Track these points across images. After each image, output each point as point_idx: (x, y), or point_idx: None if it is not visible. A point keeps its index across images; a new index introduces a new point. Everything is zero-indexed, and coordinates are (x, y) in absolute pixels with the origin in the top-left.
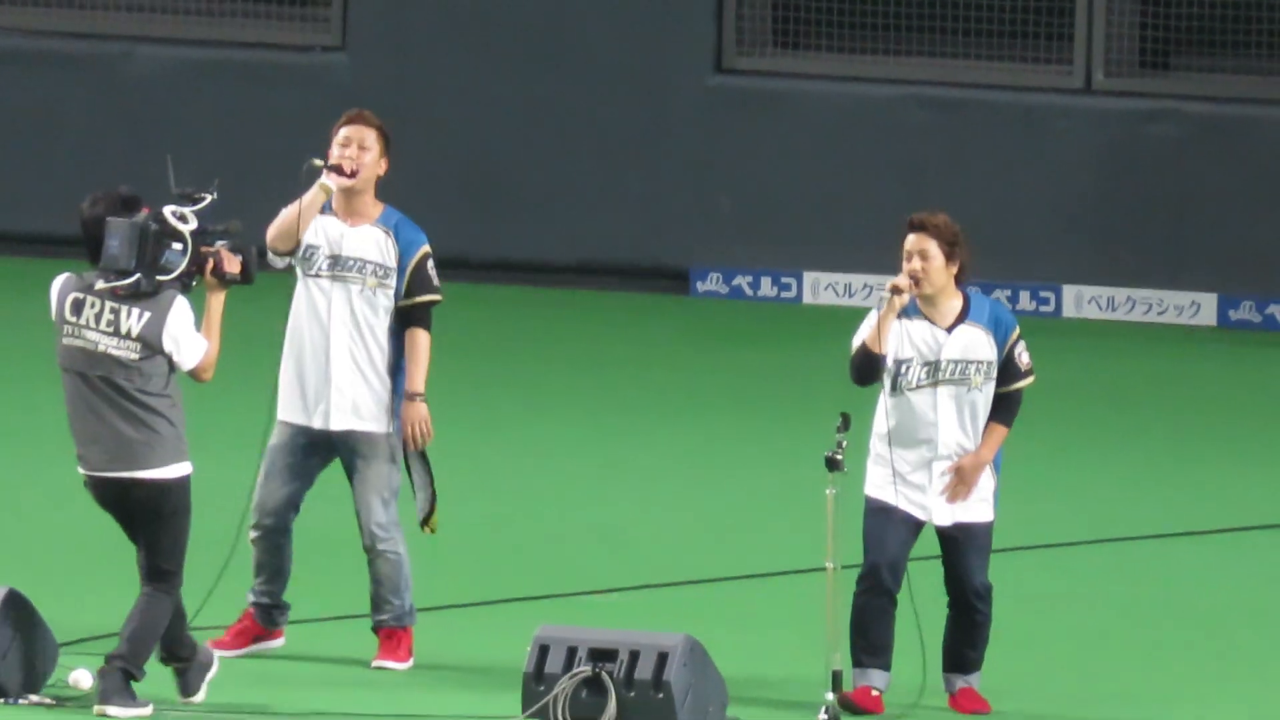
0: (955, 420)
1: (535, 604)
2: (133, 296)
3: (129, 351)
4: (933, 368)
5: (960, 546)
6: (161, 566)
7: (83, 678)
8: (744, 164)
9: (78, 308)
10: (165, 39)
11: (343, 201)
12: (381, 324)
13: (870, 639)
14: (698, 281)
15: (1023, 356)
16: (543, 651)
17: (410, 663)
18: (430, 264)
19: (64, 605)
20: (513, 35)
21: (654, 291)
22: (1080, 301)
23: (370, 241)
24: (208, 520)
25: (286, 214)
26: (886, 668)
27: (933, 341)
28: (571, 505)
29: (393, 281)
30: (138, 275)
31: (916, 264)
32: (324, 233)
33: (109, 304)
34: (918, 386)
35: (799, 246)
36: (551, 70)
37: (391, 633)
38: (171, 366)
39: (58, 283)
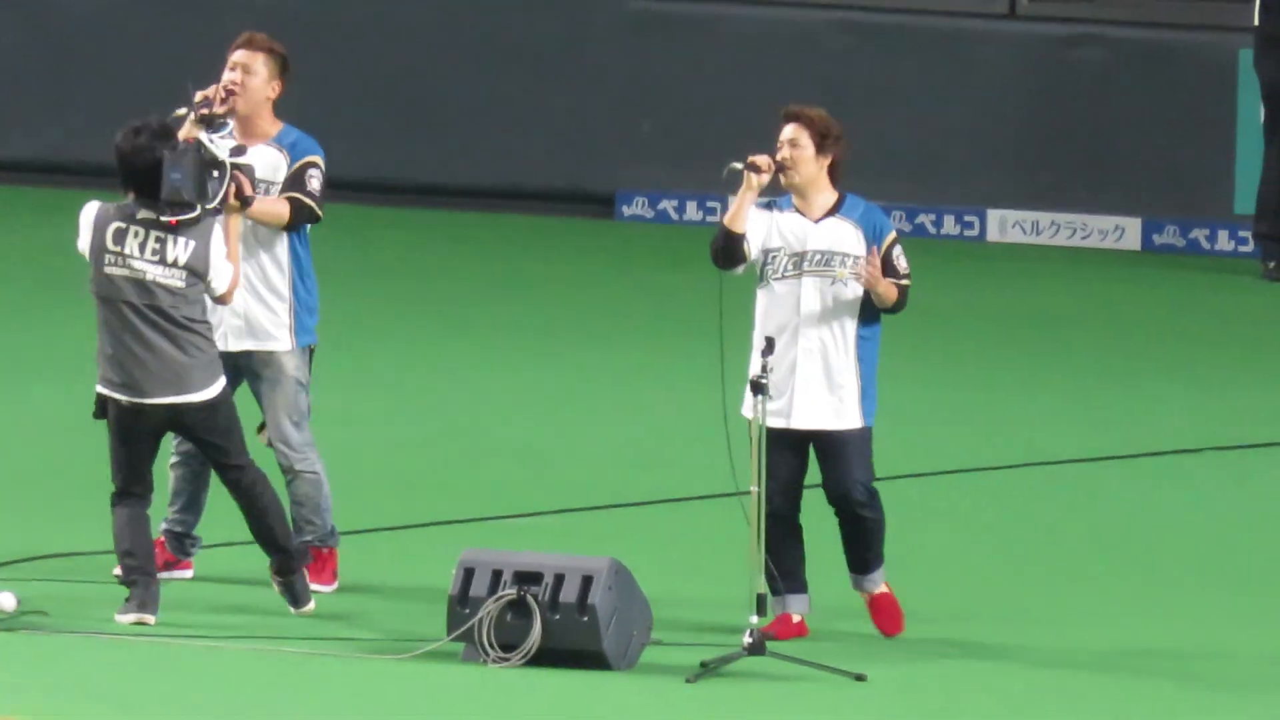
0: (818, 311)
1: (458, 527)
2: (179, 225)
3: (176, 280)
4: (799, 258)
5: (829, 454)
6: (237, 464)
7: (6, 600)
8: (668, 88)
9: (120, 237)
10: None
11: (238, 124)
12: (279, 241)
13: (779, 566)
14: (623, 205)
15: (900, 260)
16: (467, 575)
17: (335, 585)
18: (313, 172)
19: None
20: None
21: (579, 216)
22: (1004, 225)
23: (265, 160)
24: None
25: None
26: (801, 590)
27: (801, 232)
28: (493, 427)
29: None
30: (200, 207)
31: (786, 152)
32: (224, 153)
33: (154, 233)
34: (783, 276)
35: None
36: None
37: (316, 553)
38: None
39: (90, 213)
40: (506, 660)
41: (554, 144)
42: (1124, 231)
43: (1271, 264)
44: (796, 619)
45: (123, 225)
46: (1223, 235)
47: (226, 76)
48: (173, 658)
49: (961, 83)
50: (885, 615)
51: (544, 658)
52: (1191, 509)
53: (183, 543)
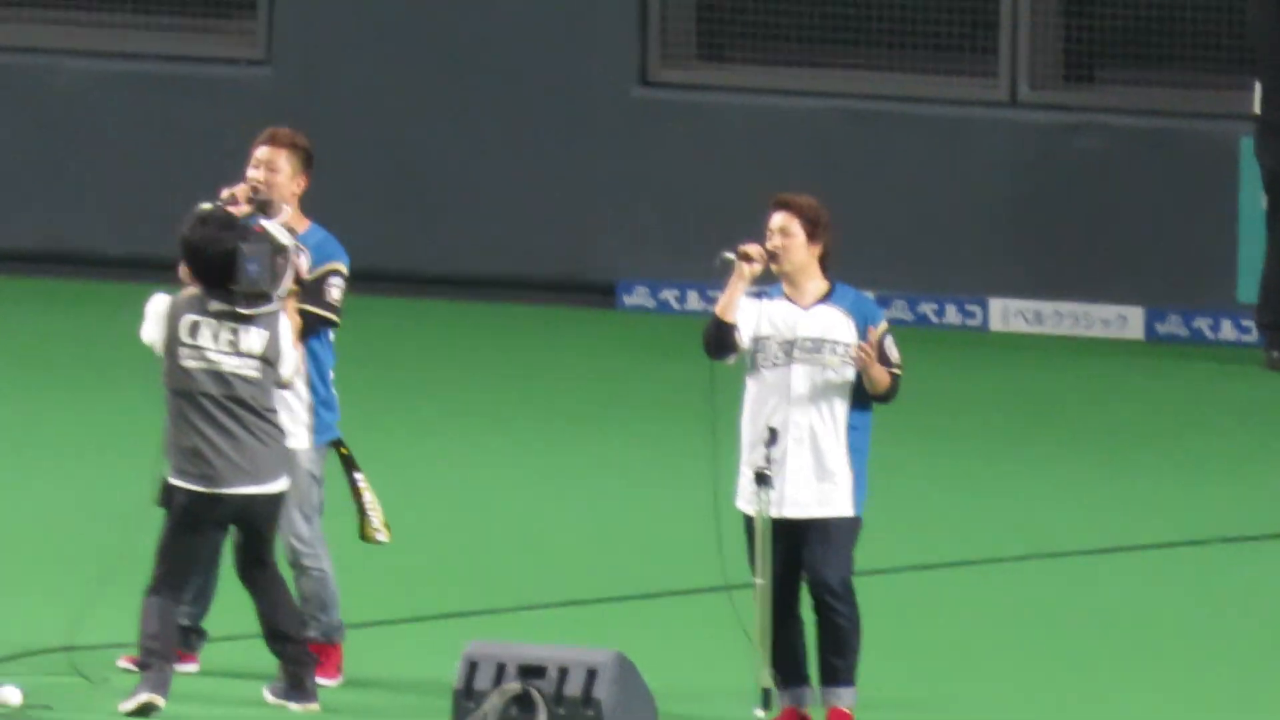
0: (808, 398)
1: (462, 620)
2: (250, 315)
3: (251, 369)
4: (789, 345)
5: (812, 542)
6: (272, 559)
7: (10, 694)
8: (669, 176)
9: (194, 330)
10: (90, 51)
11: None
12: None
13: (781, 659)
14: (624, 295)
15: (892, 350)
16: (472, 667)
17: (340, 679)
18: (334, 280)
19: None
20: (438, 49)
21: (581, 305)
22: (1007, 315)
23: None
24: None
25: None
26: (804, 683)
27: (791, 319)
28: (495, 518)
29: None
30: (274, 297)
31: (776, 240)
32: None
33: (227, 324)
34: (773, 364)
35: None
36: (476, 83)
37: (320, 649)
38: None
39: (161, 306)
40: None
41: (555, 233)
42: (1127, 320)
43: (1275, 353)
44: (801, 714)
45: (196, 318)
46: (1226, 324)
47: (250, 174)
48: None
49: (963, 170)
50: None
51: None
52: (1196, 600)
53: (189, 637)
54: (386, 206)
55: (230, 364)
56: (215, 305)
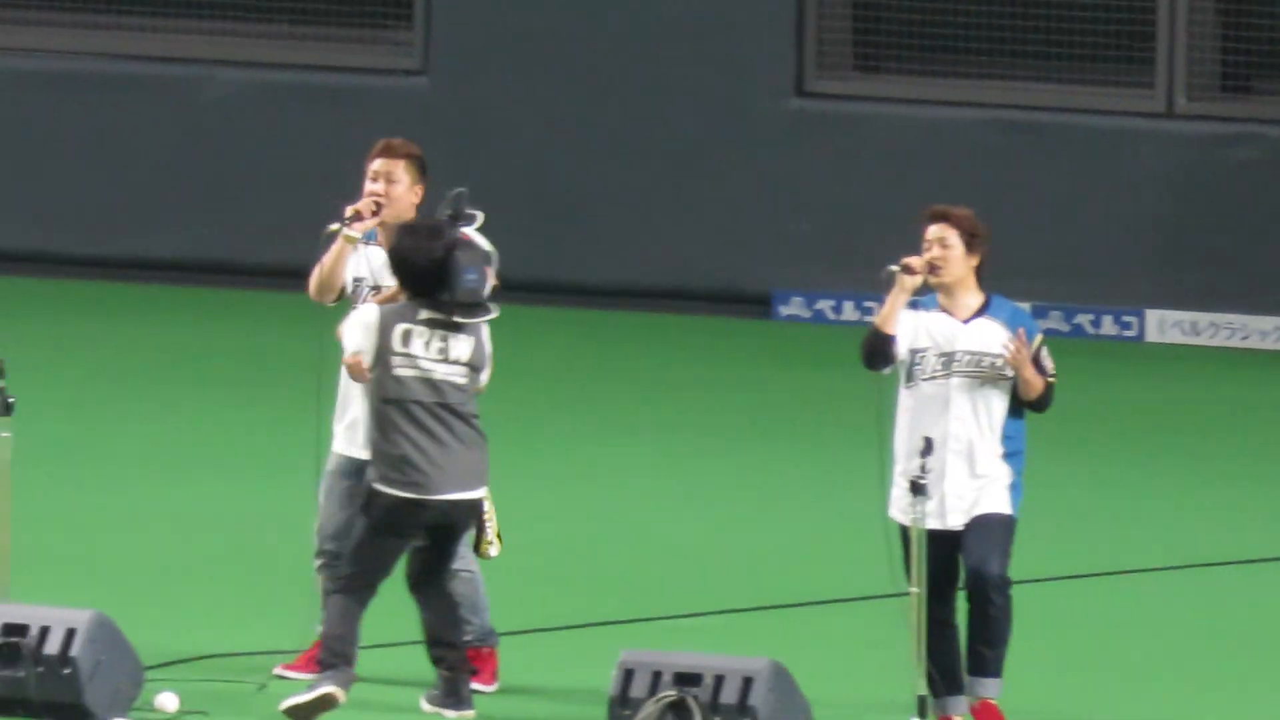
0: (969, 412)
1: (618, 628)
2: (461, 324)
3: (459, 376)
4: (948, 359)
5: (974, 537)
6: (447, 569)
7: (168, 701)
8: (825, 187)
9: (407, 339)
10: (245, 63)
11: (383, 233)
12: None
13: (937, 668)
14: (780, 305)
15: (1047, 360)
16: (627, 676)
17: (495, 685)
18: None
19: (149, 628)
20: (593, 59)
21: (735, 316)
22: (1163, 326)
23: None
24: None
25: (319, 270)
26: (960, 690)
27: (949, 333)
28: (652, 527)
29: None
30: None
31: (936, 252)
32: (367, 263)
33: (438, 332)
34: (931, 376)
35: (882, 269)
36: (631, 94)
37: (476, 653)
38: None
39: (372, 317)
40: None
41: (710, 244)
42: None
43: None
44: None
45: (408, 327)
46: None
47: (369, 187)
48: None
49: (1120, 182)
50: (983, 715)
51: None
52: None
53: None
54: (541, 216)
55: (441, 371)
56: (425, 314)
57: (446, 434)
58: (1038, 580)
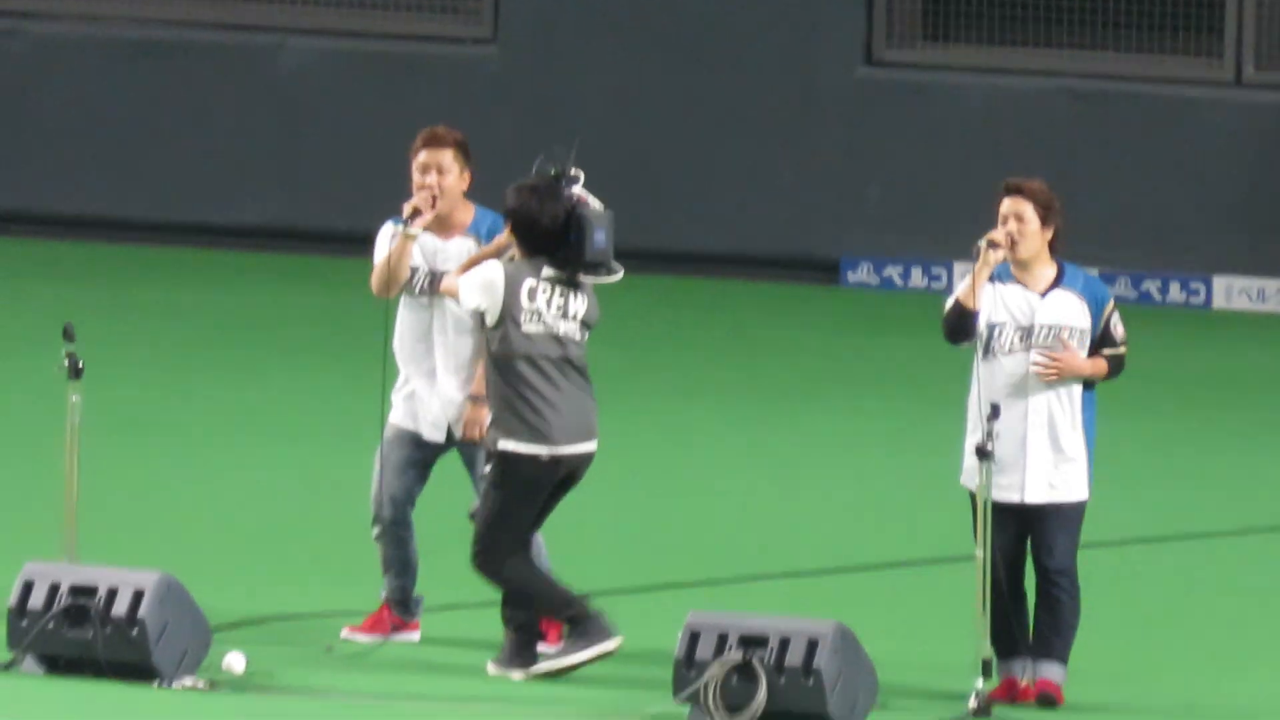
0: (1048, 386)
1: (685, 590)
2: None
3: (576, 332)
4: (1026, 332)
5: (1045, 524)
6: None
7: (235, 661)
8: (894, 155)
9: (533, 295)
10: (316, 30)
11: (435, 224)
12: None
13: (1005, 632)
14: (848, 271)
15: (1117, 328)
16: (694, 638)
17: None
18: None
19: (217, 590)
20: (662, 27)
21: (804, 282)
22: (1230, 293)
23: (465, 252)
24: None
25: (382, 267)
26: (1025, 655)
27: (1026, 306)
28: (720, 490)
29: None
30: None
31: (1012, 226)
32: (419, 251)
33: (559, 289)
34: (1010, 350)
35: (949, 237)
36: (701, 62)
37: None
38: None
39: (497, 273)
40: None
41: (780, 210)
42: None
43: None
44: (1022, 684)
45: (534, 283)
46: None
47: (419, 179)
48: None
49: (1187, 150)
50: (1044, 688)
51: None
52: None
53: (405, 606)
54: (609, 184)
55: (563, 327)
56: (548, 271)
57: (571, 388)
58: (1100, 545)
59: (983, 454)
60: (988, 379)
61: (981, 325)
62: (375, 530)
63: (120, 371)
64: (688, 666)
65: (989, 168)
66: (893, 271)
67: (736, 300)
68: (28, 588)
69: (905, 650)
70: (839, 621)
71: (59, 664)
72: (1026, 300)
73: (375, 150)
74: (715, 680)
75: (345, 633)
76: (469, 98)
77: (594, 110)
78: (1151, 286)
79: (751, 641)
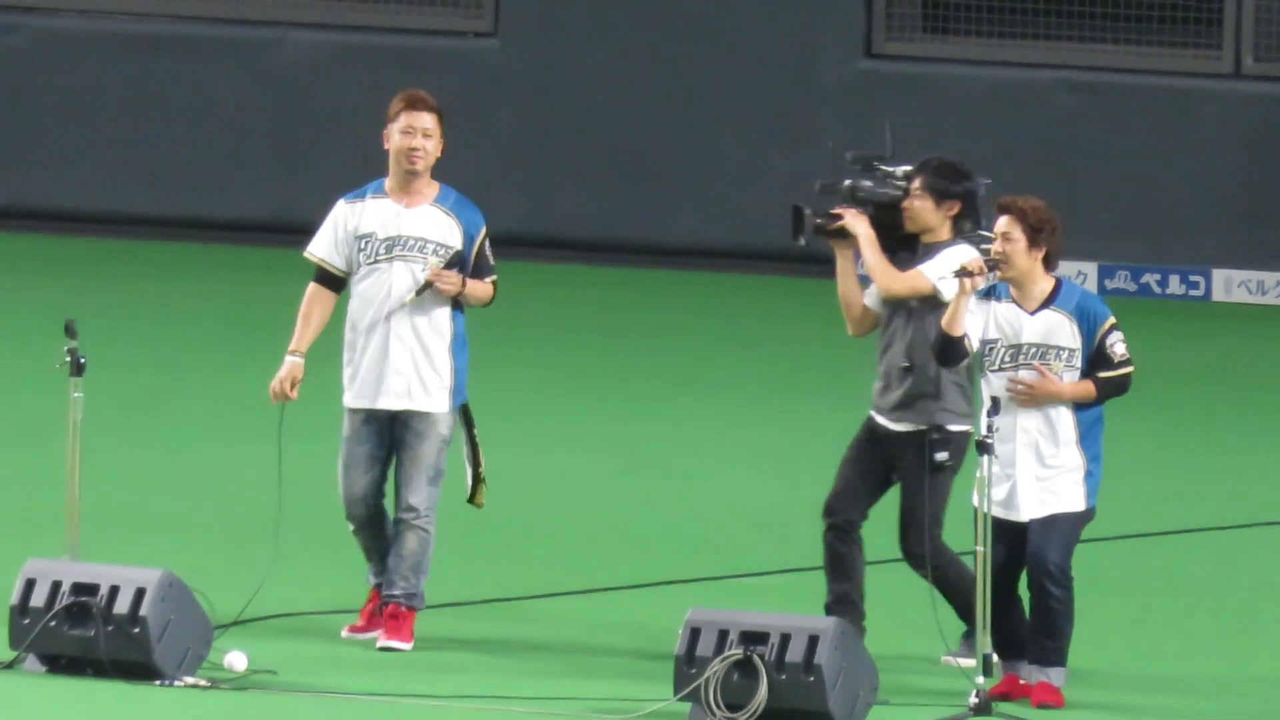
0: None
1: (684, 586)
2: None
3: None
4: (1015, 350)
5: (1038, 530)
6: None
7: (237, 660)
8: (893, 148)
9: None
10: (317, 24)
11: (403, 183)
12: (444, 308)
13: (1003, 636)
14: None
15: (1115, 347)
16: (694, 634)
17: (412, 645)
18: (489, 247)
19: (218, 588)
20: (663, 19)
21: (804, 275)
22: (1230, 285)
23: (430, 220)
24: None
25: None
26: (1024, 657)
27: (1016, 324)
28: (720, 485)
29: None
30: None
31: (999, 245)
32: (378, 216)
33: None
34: (1000, 368)
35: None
36: (701, 54)
37: (397, 611)
38: None
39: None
40: None
41: (779, 203)
42: None
43: None
44: (1021, 681)
45: None
46: None
47: (402, 141)
48: (402, 718)
49: (1187, 142)
50: (1040, 692)
51: (770, 718)
52: None
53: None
54: (611, 176)
55: None
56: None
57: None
58: (1103, 540)
59: (983, 448)
60: (986, 394)
61: (977, 343)
62: (351, 527)
63: (121, 367)
64: (688, 663)
65: (988, 160)
66: None
67: (735, 293)
68: (29, 585)
69: (907, 647)
70: (839, 618)
71: (60, 662)
72: (1016, 317)
73: (376, 145)
74: (716, 677)
75: (345, 633)
76: (470, 91)
77: (594, 103)
78: (1151, 279)
79: (752, 638)
